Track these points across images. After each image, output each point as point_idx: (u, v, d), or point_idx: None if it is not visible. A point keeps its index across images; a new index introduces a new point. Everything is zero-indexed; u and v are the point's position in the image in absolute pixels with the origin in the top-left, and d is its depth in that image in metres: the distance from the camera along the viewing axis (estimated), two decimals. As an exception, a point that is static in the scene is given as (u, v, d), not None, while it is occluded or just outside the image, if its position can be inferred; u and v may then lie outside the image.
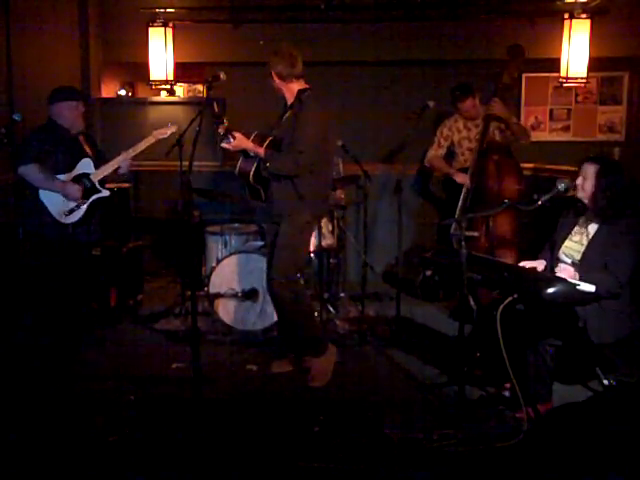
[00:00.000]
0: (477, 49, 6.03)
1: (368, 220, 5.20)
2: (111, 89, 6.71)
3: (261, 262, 4.52)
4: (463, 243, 3.27)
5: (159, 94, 6.56)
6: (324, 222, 4.83)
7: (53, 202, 4.22)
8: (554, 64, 5.85)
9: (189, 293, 4.41)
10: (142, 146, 4.37)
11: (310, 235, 4.17)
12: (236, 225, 5.27)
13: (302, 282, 4.30)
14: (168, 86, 6.26)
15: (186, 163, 3.58)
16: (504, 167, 4.88)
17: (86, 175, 4.32)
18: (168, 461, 3.06)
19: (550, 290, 3.06)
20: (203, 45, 6.28)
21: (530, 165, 5.85)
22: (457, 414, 3.40)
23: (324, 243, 4.76)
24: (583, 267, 3.38)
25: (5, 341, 4.29)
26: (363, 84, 6.28)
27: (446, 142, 5.35)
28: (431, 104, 4.68)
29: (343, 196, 5.13)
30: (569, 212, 3.62)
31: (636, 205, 3.39)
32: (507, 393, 3.63)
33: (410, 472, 2.97)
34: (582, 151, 3.60)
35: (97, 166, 4.36)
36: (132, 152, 4.35)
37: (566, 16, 5.74)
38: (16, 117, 4.61)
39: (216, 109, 3.82)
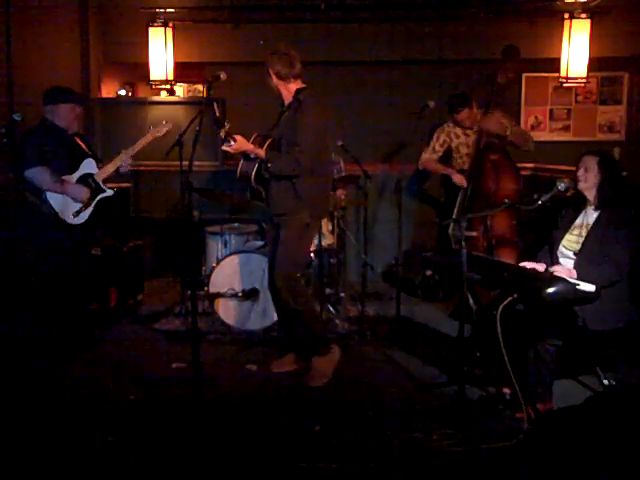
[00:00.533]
0: (477, 49, 6.04)
1: (368, 220, 5.21)
2: (111, 89, 6.71)
3: (261, 262, 4.53)
4: (463, 243, 3.27)
5: (159, 94, 6.57)
6: (324, 222, 4.83)
7: (60, 204, 4.16)
8: (554, 64, 5.86)
9: (189, 293, 4.42)
10: (140, 144, 4.36)
11: (311, 235, 4.16)
12: (236, 225, 5.26)
13: (302, 282, 4.30)
14: (168, 86, 6.28)
15: (186, 163, 3.59)
16: (501, 167, 4.87)
17: (90, 175, 4.29)
18: (168, 461, 3.05)
19: (550, 290, 3.06)
20: (203, 45, 6.29)
21: (530, 165, 5.85)
22: (457, 414, 3.40)
23: (324, 243, 4.76)
24: (583, 257, 3.41)
25: (5, 341, 4.29)
26: (363, 84, 6.28)
27: (442, 148, 5.29)
28: (431, 104, 4.68)
29: (344, 196, 5.13)
30: (568, 209, 3.65)
31: (634, 196, 3.49)
32: (508, 393, 3.62)
33: (410, 472, 2.97)
34: (582, 151, 3.61)
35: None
36: (132, 151, 4.35)
37: (566, 16, 5.75)
38: (16, 117, 4.61)
39: (217, 112, 3.81)
